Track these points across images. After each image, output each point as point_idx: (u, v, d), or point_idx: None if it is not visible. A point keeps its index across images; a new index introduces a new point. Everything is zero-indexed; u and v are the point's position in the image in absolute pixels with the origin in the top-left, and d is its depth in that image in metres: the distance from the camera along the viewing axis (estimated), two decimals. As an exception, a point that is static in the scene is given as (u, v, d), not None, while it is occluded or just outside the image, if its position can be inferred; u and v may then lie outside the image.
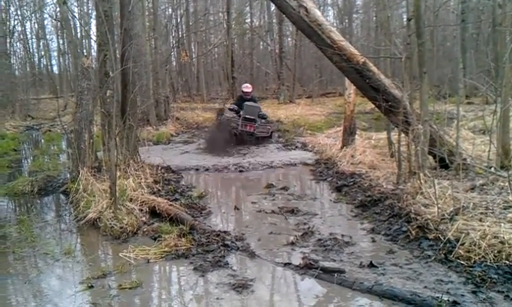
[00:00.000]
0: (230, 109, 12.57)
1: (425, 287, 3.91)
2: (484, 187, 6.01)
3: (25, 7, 28.73)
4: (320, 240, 5.18)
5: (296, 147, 11.72)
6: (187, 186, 7.92)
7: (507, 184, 5.54)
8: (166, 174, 8.24)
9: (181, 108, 20.52)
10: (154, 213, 6.16)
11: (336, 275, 4.17)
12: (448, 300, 3.58)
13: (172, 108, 18.66)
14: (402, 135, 7.10)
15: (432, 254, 4.55)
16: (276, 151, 11.31)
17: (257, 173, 9.25)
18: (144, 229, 5.65)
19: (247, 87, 13.18)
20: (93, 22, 19.75)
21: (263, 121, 12.37)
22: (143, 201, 6.29)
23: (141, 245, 5.07)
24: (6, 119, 19.38)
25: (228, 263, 4.59)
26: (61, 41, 31.59)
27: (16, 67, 28.41)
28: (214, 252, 4.84)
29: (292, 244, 5.11)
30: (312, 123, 15.57)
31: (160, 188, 7.35)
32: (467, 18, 19.32)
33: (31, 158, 11.33)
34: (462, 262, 4.25)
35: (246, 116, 11.85)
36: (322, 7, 27.99)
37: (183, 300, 4.00)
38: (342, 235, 5.27)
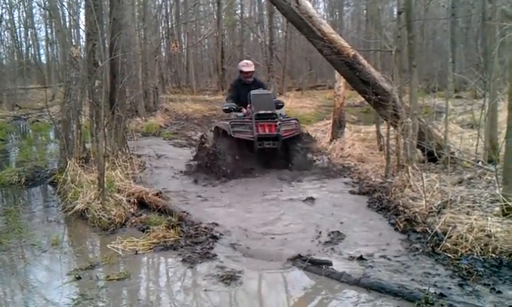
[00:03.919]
0: (226, 110, 8.16)
1: (413, 279, 3.92)
2: (472, 180, 6.05)
3: (13, -4, 28.38)
4: (309, 232, 5.17)
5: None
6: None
7: (494, 178, 5.58)
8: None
9: (170, 99, 20.37)
10: (142, 204, 6.11)
11: (324, 267, 4.18)
12: (435, 292, 3.60)
13: (161, 99, 18.55)
14: (391, 128, 7.13)
15: (419, 247, 4.57)
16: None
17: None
18: (133, 221, 5.59)
19: (247, 66, 8.50)
20: (82, 11, 19.56)
21: (282, 113, 8.12)
22: (131, 192, 6.24)
23: (129, 236, 5.03)
24: (-7, 109, 19.17)
25: (216, 255, 4.58)
26: (49, 31, 31.27)
27: (4, 56, 28.14)
28: (202, 244, 4.81)
29: (281, 235, 5.10)
30: (302, 115, 15.51)
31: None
32: (457, 12, 19.44)
33: (19, 148, 11.20)
34: (449, 255, 4.27)
35: (260, 112, 7.50)
36: (312, 0, 27.95)
37: (171, 292, 3.98)
38: (331, 228, 5.28)
